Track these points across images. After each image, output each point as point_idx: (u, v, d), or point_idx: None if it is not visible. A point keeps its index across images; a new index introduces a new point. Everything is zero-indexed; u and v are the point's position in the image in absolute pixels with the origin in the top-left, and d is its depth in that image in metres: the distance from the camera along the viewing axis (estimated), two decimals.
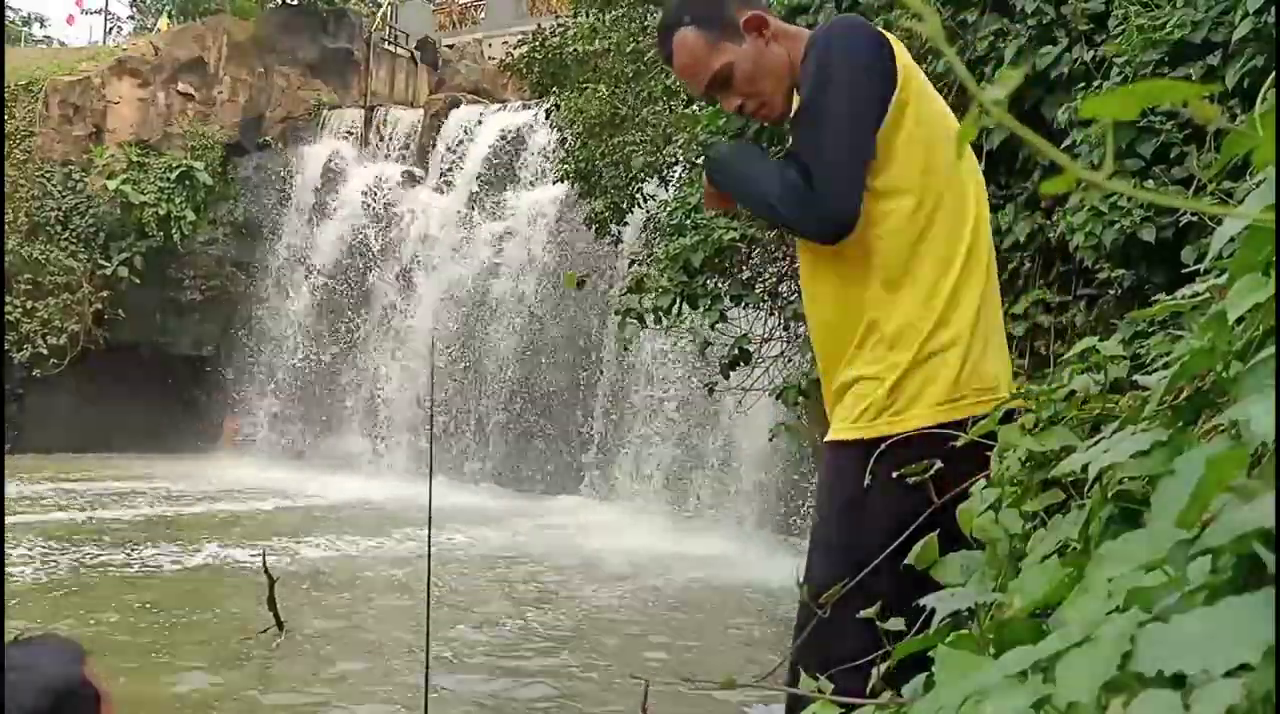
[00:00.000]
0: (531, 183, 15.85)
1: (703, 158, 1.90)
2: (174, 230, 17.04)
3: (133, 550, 9.25)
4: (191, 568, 8.71)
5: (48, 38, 30.12)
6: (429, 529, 2.73)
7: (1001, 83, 0.55)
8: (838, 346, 1.71)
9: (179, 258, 17.44)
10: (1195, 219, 3.54)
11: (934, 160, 1.66)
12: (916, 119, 1.65)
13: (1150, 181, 3.70)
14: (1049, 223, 4.29)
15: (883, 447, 1.57)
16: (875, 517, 1.52)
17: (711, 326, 6.01)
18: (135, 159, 17.20)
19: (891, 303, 1.65)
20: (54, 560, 8.68)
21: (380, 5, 21.24)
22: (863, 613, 1.03)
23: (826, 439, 1.72)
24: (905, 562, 1.10)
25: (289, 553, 9.23)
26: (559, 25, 9.75)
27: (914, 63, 1.71)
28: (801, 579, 1.61)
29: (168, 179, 17.14)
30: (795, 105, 1.73)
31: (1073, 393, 1.11)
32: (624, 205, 8.26)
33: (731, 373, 6.25)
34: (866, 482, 1.55)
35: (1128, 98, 0.53)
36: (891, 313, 1.65)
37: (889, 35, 1.69)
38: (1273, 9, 3.31)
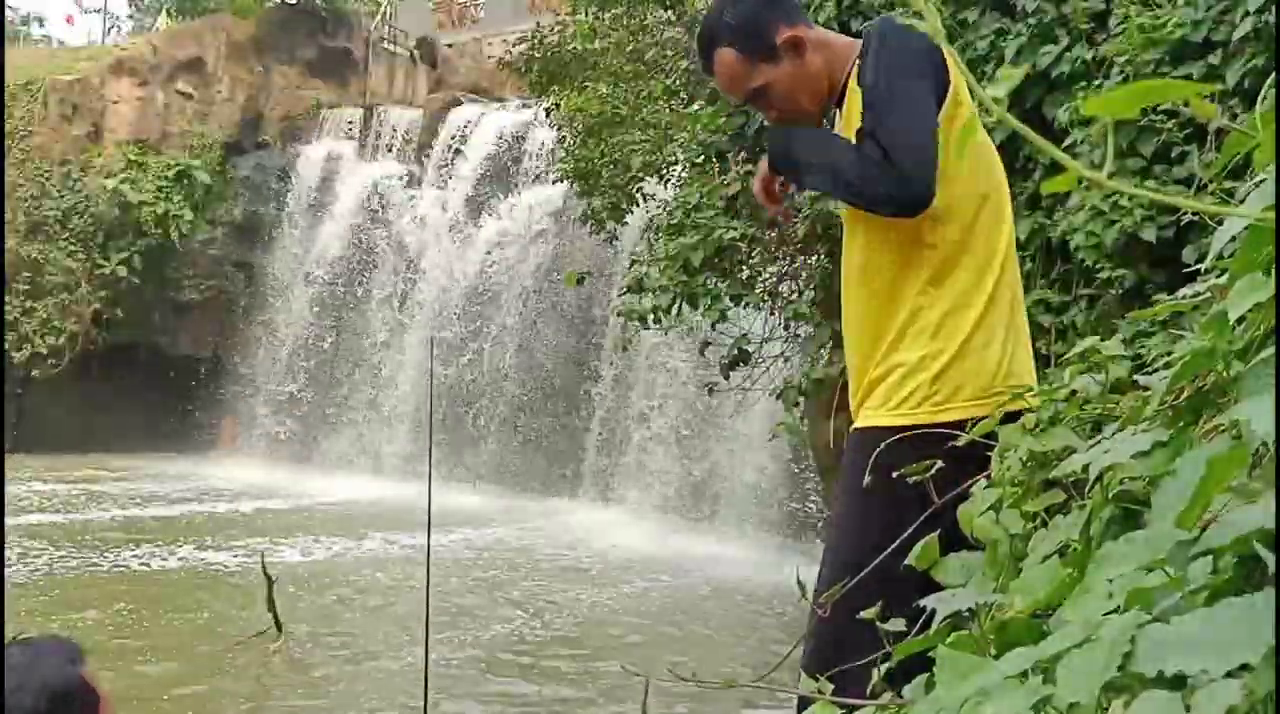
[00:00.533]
0: (531, 182, 15.84)
1: (768, 140, 1.91)
2: (172, 230, 17.02)
3: (130, 551, 9.25)
4: (190, 569, 8.71)
5: (47, 37, 30.11)
6: (429, 530, 2.73)
7: (1002, 81, 0.54)
8: (878, 332, 1.73)
9: (178, 257, 17.43)
10: (1196, 219, 3.54)
11: (978, 159, 1.70)
12: (964, 118, 1.68)
13: (1151, 181, 3.70)
14: (1050, 223, 4.28)
15: (879, 437, 1.58)
16: (909, 507, 1.45)
17: (712, 326, 6.01)
18: (134, 158, 17.18)
19: (938, 292, 1.68)
20: (51, 561, 8.68)
21: (380, 4, 21.23)
22: (863, 613, 1.03)
23: (858, 425, 1.72)
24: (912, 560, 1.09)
25: (287, 554, 9.23)
26: (558, 24, 9.75)
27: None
28: (821, 572, 1.61)
29: (166, 178, 17.13)
30: (850, 94, 1.76)
31: (1074, 393, 1.11)
32: (623, 204, 8.26)
33: (731, 373, 6.24)
34: (862, 471, 1.56)
35: (1128, 97, 0.53)
36: (937, 302, 1.68)
37: None
38: (1273, 8, 3.31)
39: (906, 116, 1.63)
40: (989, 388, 1.63)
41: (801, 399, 5.68)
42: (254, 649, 6.22)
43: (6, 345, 15.86)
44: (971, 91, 1.57)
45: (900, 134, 1.62)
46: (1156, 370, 1.01)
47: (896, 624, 1.00)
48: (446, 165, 16.92)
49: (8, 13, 27.02)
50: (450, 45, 22.80)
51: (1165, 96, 0.54)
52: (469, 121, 17.15)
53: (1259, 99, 0.76)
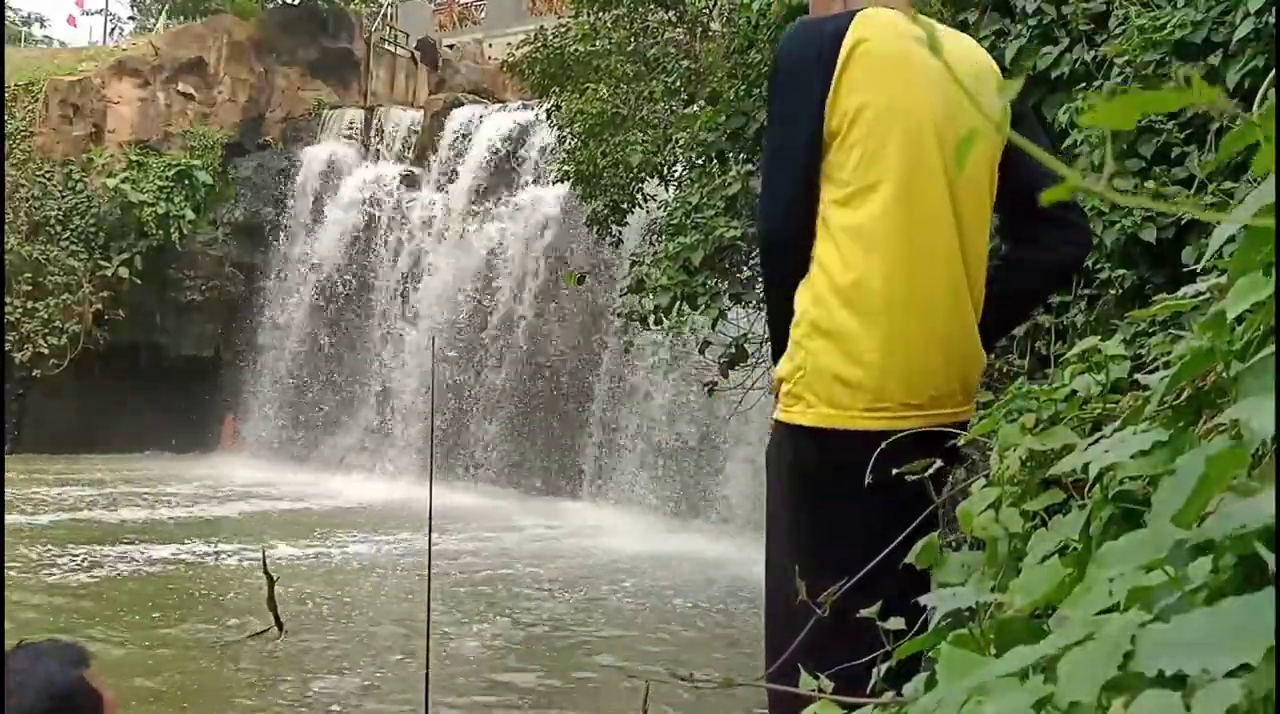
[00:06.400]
0: (532, 183, 15.85)
1: None
2: (174, 230, 17.02)
3: (131, 551, 9.25)
4: (190, 568, 8.71)
5: (48, 38, 30.13)
6: (429, 530, 2.73)
7: (1003, 92, 0.54)
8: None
9: (179, 258, 17.43)
10: (1195, 219, 3.54)
11: (870, 154, 1.69)
12: (854, 107, 1.67)
13: (1150, 182, 3.70)
14: None
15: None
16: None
17: (711, 325, 6.01)
18: (135, 159, 17.19)
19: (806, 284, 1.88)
20: (52, 561, 8.68)
21: (381, 5, 21.23)
22: (864, 612, 1.04)
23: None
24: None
25: (288, 554, 9.23)
26: (560, 25, 9.74)
27: (880, 40, 1.68)
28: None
29: (167, 179, 17.13)
30: None
31: (1074, 393, 1.11)
32: (624, 205, 8.26)
33: (731, 372, 6.25)
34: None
35: (1126, 106, 0.53)
36: (804, 292, 1.90)
37: (857, 19, 1.69)
38: (1273, 9, 3.31)
39: (762, 169, 1.84)
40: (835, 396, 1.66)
41: None
42: (255, 648, 6.22)
43: (8, 345, 15.86)
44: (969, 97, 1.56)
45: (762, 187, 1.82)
46: (1156, 370, 1.01)
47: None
48: (448, 166, 16.92)
49: (9, 13, 27.03)
50: (451, 46, 22.79)
51: (1163, 107, 0.54)
52: (470, 122, 17.16)
53: (1259, 99, 0.76)
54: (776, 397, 1.76)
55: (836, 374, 1.65)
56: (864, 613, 1.02)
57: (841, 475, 1.53)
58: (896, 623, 0.99)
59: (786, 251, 1.73)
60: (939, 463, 1.28)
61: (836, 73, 1.66)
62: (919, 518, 1.31)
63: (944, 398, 1.68)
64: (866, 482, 1.45)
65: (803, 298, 1.71)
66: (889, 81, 1.67)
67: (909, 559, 1.07)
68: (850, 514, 1.56)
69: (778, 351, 1.79)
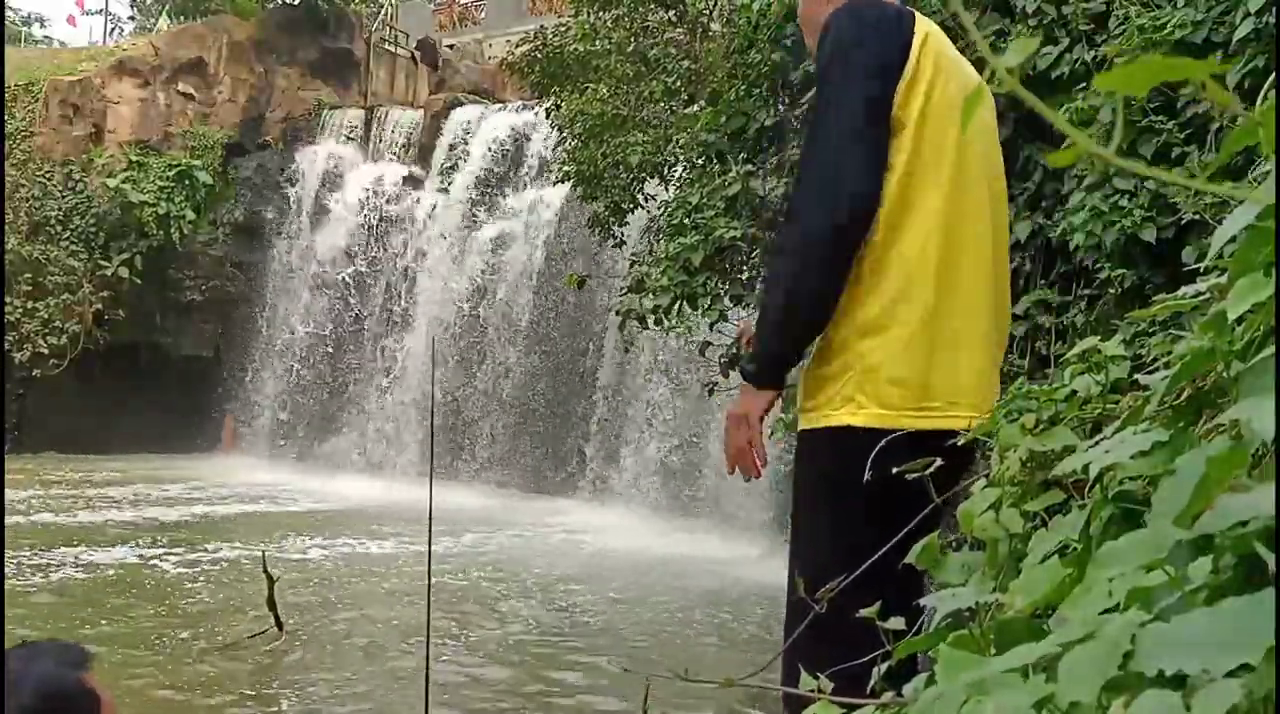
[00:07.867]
0: (532, 183, 15.85)
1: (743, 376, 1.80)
2: (174, 230, 17.02)
3: (130, 551, 9.25)
4: (190, 568, 8.71)
5: (48, 38, 30.13)
6: (429, 531, 2.73)
7: (1015, 50, 0.54)
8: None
9: (179, 258, 17.44)
10: (1196, 219, 3.54)
11: (913, 165, 1.68)
12: (917, 105, 1.67)
13: (1150, 182, 3.70)
14: (1049, 223, 4.29)
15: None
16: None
17: (711, 327, 6.01)
18: (135, 159, 17.19)
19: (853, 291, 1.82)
20: (52, 562, 8.68)
21: (380, 5, 21.23)
22: (862, 612, 1.04)
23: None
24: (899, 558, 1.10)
25: (288, 554, 9.23)
26: (560, 25, 9.75)
27: (939, 40, 1.71)
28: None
29: (167, 179, 17.13)
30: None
31: (1074, 393, 1.11)
32: (625, 205, 8.26)
33: (731, 372, 6.25)
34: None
35: (1141, 72, 0.52)
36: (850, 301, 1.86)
37: (909, 11, 1.71)
38: (1273, 9, 3.31)
39: (819, 147, 1.65)
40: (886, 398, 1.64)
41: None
42: (255, 649, 6.22)
43: (8, 345, 15.86)
44: (984, 63, 1.58)
45: (806, 173, 1.66)
46: (1156, 370, 1.01)
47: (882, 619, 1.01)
48: (447, 166, 16.92)
49: (9, 13, 27.03)
50: (451, 46, 22.79)
51: (1178, 74, 0.54)
52: (470, 122, 17.16)
53: (1259, 99, 0.76)
54: (797, 396, 1.75)
55: (888, 374, 1.64)
56: (863, 613, 1.02)
57: (893, 476, 1.50)
58: (897, 622, 0.99)
59: (867, 226, 1.64)
60: (938, 462, 1.28)
61: (913, 57, 1.65)
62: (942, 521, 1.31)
63: (990, 398, 1.68)
64: (908, 478, 1.43)
65: (848, 298, 1.68)
66: (948, 81, 1.69)
67: (909, 559, 1.08)
68: (901, 515, 1.53)
69: (793, 340, 1.73)
